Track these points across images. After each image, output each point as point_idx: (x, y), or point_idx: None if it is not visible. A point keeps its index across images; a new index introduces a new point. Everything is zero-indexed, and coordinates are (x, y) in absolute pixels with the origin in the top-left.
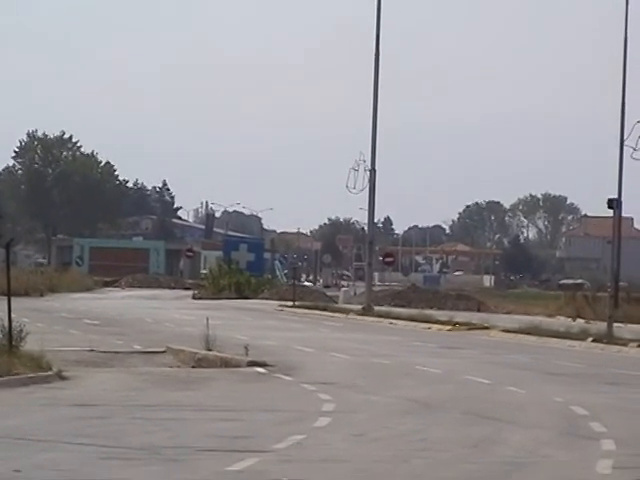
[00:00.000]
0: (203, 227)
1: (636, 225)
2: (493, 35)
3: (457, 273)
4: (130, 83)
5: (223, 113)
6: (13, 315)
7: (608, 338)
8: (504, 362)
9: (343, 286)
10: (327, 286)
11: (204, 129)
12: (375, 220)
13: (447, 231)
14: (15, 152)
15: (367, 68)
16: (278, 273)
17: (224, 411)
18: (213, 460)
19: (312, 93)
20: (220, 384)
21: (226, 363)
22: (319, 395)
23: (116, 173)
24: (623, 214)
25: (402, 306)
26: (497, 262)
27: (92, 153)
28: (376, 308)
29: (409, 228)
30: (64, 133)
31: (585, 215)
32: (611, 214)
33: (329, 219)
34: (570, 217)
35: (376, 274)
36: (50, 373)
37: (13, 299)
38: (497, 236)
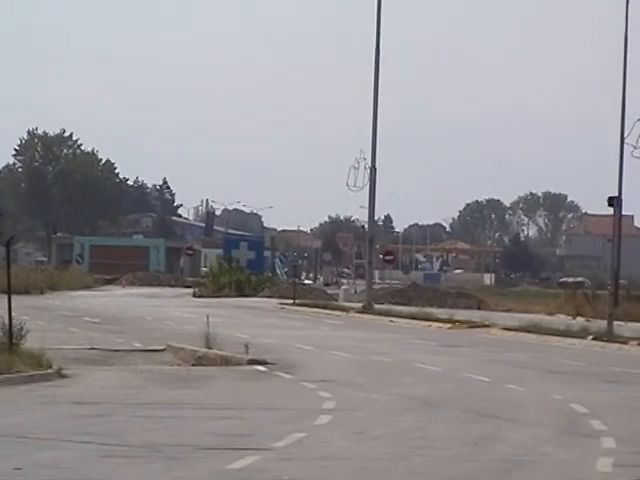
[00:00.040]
0: (203, 225)
1: (636, 223)
2: (493, 35)
3: (457, 271)
4: (130, 83)
5: (223, 113)
6: (13, 313)
7: (608, 336)
8: (504, 360)
9: (343, 284)
10: (327, 284)
11: (204, 129)
12: (375, 218)
13: (447, 229)
14: (15, 150)
15: (367, 65)
16: (278, 271)
17: (224, 409)
18: (213, 458)
19: (312, 92)
20: (220, 382)
21: (226, 361)
22: (319, 393)
23: (116, 171)
24: (623, 212)
25: (402, 304)
26: (497, 260)
27: (92, 151)
28: (376, 306)
29: (409, 226)
30: (64, 131)
31: (585, 213)
32: (611, 212)
33: (329, 217)
34: (570, 215)
35: (376, 272)
36: (50, 371)
37: (13, 297)
38: (497, 234)
